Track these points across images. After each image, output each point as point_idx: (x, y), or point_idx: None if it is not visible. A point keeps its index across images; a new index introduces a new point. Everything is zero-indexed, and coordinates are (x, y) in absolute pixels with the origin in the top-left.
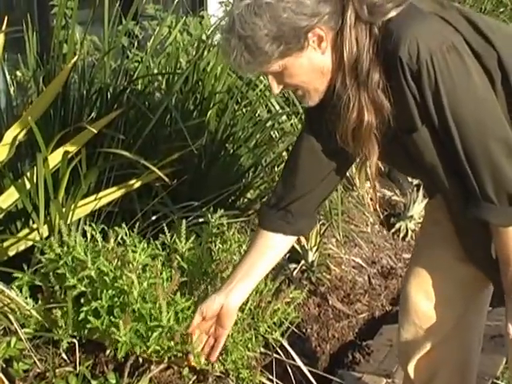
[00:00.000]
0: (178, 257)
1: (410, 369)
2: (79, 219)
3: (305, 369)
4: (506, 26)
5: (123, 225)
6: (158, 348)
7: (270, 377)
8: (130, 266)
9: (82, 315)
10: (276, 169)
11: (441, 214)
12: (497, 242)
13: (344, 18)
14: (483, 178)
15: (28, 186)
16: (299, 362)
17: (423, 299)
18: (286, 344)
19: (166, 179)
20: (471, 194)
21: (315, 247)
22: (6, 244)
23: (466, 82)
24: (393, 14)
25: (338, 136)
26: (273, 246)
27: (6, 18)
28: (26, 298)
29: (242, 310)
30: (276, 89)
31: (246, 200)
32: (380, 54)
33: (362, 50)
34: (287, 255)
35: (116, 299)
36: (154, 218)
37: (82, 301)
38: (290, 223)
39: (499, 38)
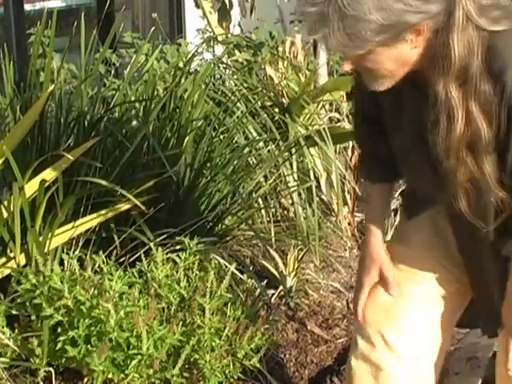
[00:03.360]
0: (154, 284)
1: None
2: (56, 247)
3: None
4: None
5: (100, 252)
6: (136, 376)
7: None
8: (107, 294)
9: (59, 345)
10: (254, 195)
11: (421, 235)
12: None
13: (452, 16)
14: None
15: (5, 214)
16: None
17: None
18: (264, 370)
19: (143, 207)
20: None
21: (293, 273)
22: None
23: None
24: (503, 26)
25: (435, 145)
26: (388, 195)
27: None
28: (3, 327)
29: (219, 336)
30: (347, 66)
31: (223, 226)
32: (485, 68)
33: (473, 55)
34: (265, 281)
35: (93, 328)
36: (131, 245)
37: (59, 330)
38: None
39: None
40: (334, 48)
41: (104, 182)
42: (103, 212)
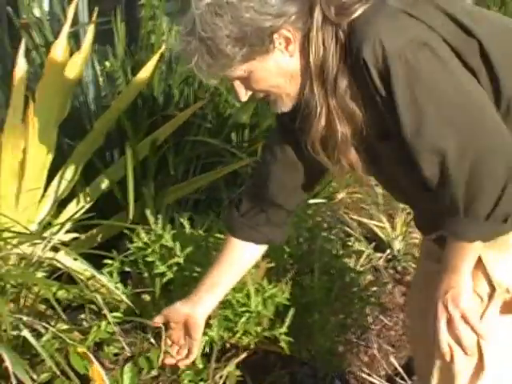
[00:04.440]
0: None
1: None
2: (167, 207)
3: (391, 357)
4: (494, 13)
5: (210, 212)
6: (245, 333)
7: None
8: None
9: (171, 302)
10: None
11: None
12: (451, 251)
13: (311, 19)
14: (475, 192)
15: (117, 174)
16: (386, 350)
17: None
18: (372, 333)
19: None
20: (447, 208)
21: (401, 236)
22: (96, 230)
23: (445, 80)
24: (359, 12)
25: (308, 145)
26: (241, 256)
27: (96, 10)
28: (116, 283)
29: (328, 296)
30: (243, 96)
31: (331, 189)
32: (347, 58)
33: (328, 54)
34: (372, 244)
35: None
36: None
37: (171, 287)
38: (260, 232)
39: (483, 27)
40: (205, 72)
41: (214, 142)
42: (213, 172)
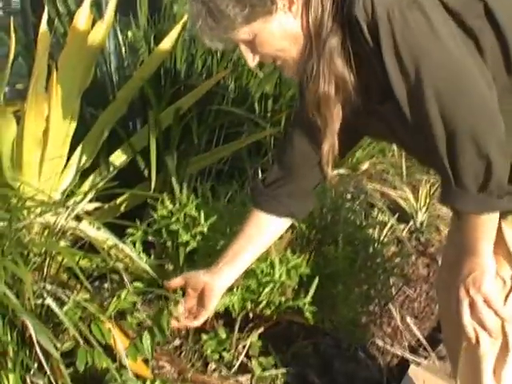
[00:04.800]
0: None
1: None
2: (190, 176)
3: (414, 328)
4: None
5: (233, 182)
6: (269, 303)
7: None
8: None
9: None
10: None
11: None
12: (465, 228)
13: None
14: (459, 159)
15: (140, 143)
16: (409, 321)
17: None
18: (395, 304)
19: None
20: (443, 177)
21: (424, 208)
22: (119, 200)
23: (430, 42)
24: None
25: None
26: (264, 230)
27: None
28: (139, 253)
29: (352, 266)
30: (251, 60)
31: (355, 160)
32: (340, 15)
33: (325, 13)
34: (396, 215)
35: None
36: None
37: (195, 257)
38: (283, 204)
39: None
40: (208, 34)
41: (238, 111)
42: (236, 141)
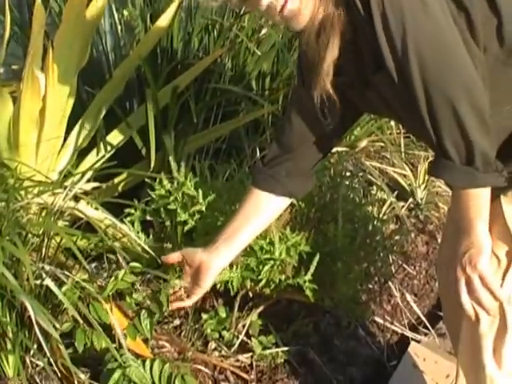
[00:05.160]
0: None
1: None
2: (188, 155)
3: (414, 306)
4: None
5: (232, 161)
6: (268, 281)
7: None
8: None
9: None
10: None
11: None
12: (457, 206)
13: None
14: (440, 128)
15: (138, 122)
16: (409, 299)
17: None
18: (395, 281)
19: (278, 114)
20: (434, 151)
21: (423, 185)
22: (116, 179)
23: (419, 13)
24: None
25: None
26: (262, 209)
27: None
28: (138, 232)
29: (351, 244)
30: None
31: (353, 137)
32: None
33: None
34: (395, 192)
35: None
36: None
37: (194, 236)
38: (281, 183)
39: None
40: None
41: (235, 89)
42: (234, 120)
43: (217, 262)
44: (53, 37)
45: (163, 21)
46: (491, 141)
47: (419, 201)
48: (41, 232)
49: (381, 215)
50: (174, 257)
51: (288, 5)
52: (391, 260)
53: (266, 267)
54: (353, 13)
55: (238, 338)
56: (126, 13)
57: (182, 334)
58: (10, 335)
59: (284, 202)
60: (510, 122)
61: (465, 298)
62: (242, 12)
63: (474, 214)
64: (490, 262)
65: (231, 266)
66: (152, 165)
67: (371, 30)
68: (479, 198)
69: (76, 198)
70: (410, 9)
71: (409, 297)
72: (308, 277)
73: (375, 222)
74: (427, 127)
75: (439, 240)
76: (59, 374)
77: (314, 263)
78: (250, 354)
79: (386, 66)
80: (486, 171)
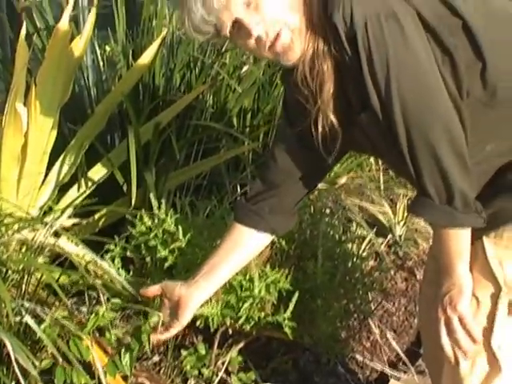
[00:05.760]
0: None
1: None
2: (169, 191)
3: (393, 342)
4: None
5: (212, 197)
6: (248, 318)
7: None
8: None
9: None
10: None
11: None
12: (438, 246)
13: None
14: (420, 168)
15: (119, 158)
16: (388, 336)
17: None
18: (374, 318)
19: (258, 151)
20: (415, 188)
21: (402, 221)
22: (97, 215)
23: (402, 55)
24: None
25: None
26: (243, 245)
27: None
28: (118, 269)
29: (331, 281)
30: (255, 28)
31: (333, 174)
32: (324, 25)
33: (314, 5)
34: (375, 229)
35: None
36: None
37: (173, 272)
38: (263, 219)
39: (473, 7)
40: (199, 18)
41: (216, 126)
42: (215, 156)
43: (196, 296)
44: (35, 73)
45: (145, 58)
46: (471, 182)
47: (398, 237)
48: (21, 268)
49: (360, 252)
50: (153, 290)
51: (279, 41)
52: (370, 297)
53: (246, 304)
54: (340, 51)
55: (217, 375)
56: (108, 48)
57: (162, 370)
58: None
59: (265, 238)
60: (490, 165)
61: (444, 339)
62: (223, 49)
63: (455, 254)
64: (470, 303)
65: (211, 301)
66: (134, 201)
67: (357, 69)
68: (459, 238)
69: (57, 234)
70: (394, 52)
71: (388, 334)
72: (287, 314)
73: (355, 259)
74: (408, 166)
75: (418, 276)
76: None
77: (294, 301)
78: None
79: (371, 104)
80: (466, 212)
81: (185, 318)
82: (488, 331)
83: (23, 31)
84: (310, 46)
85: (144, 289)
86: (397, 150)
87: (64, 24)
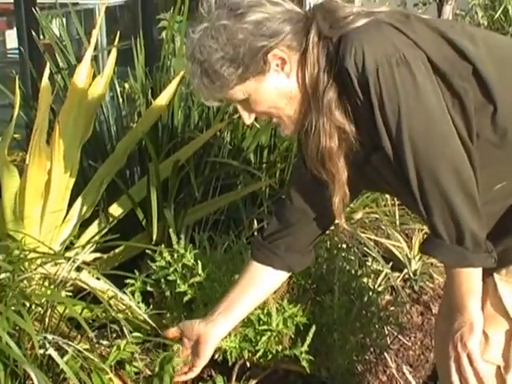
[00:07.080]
0: None
1: None
2: (187, 227)
3: (410, 376)
4: (501, 37)
5: (230, 232)
6: (266, 352)
7: None
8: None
9: None
10: None
11: None
12: (449, 283)
13: (307, 38)
14: (431, 208)
15: (139, 195)
16: (404, 370)
17: None
18: (390, 352)
19: (276, 187)
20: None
21: (418, 256)
22: (117, 250)
23: (413, 100)
24: (351, 26)
25: (307, 163)
26: (260, 282)
27: (118, 33)
28: (138, 302)
29: (348, 315)
30: (247, 119)
31: (348, 209)
32: (334, 68)
33: (321, 69)
34: (390, 263)
35: None
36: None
37: (193, 306)
38: (280, 257)
39: (481, 48)
40: (205, 93)
41: (234, 163)
42: (233, 192)
43: (214, 333)
44: (58, 110)
45: (164, 96)
46: (482, 222)
47: (414, 272)
48: (44, 302)
49: (376, 286)
50: (172, 332)
51: (272, 121)
52: (386, 331)
53: (264, 338)
54: (351, 95)
55: None
56: (126, 86)
57: None
58: None
59: (282, 275)
60: (498, 205)
61: (454, 377)
62: None
63: (466, 292)
64: (480, 340)
65: (229, 335)
66: (154, 236)
67: (369, 114)
68: (470, 277)
69: (78, 269)
70: (406, 101)
71: (404, 368)
72: (304, 348)
73: (371, 294)
74: (419, 206)
75: (434, 310)
76: None
77: (311, 334)
78: None
79: (383, 147)
80: (476, 251)
81: (206, 355)
82: (505, 368)
83: (47, 71)
84: (314, 111)
85: (165, 331)
86: (408, 190)
87: (86, 63)
